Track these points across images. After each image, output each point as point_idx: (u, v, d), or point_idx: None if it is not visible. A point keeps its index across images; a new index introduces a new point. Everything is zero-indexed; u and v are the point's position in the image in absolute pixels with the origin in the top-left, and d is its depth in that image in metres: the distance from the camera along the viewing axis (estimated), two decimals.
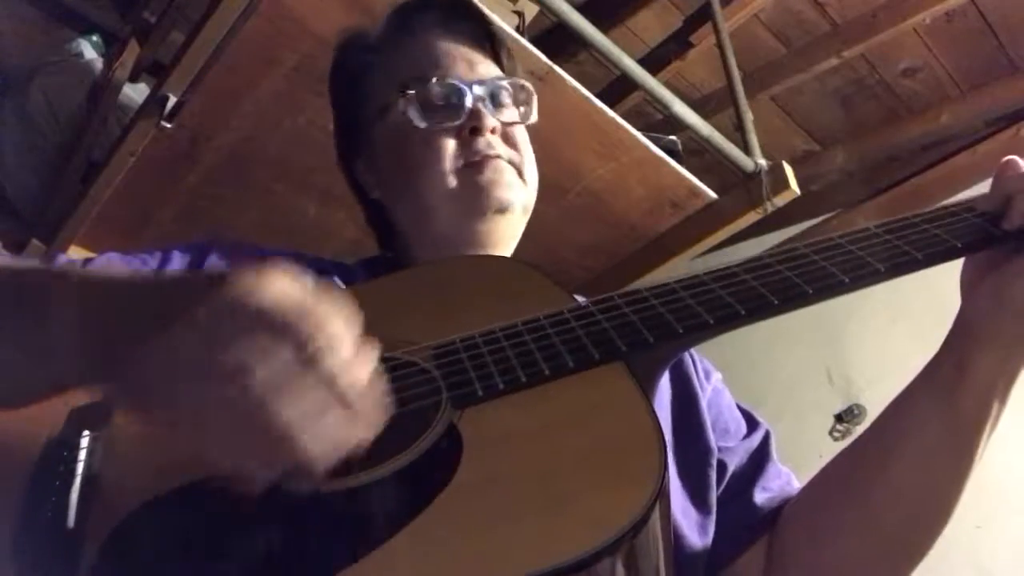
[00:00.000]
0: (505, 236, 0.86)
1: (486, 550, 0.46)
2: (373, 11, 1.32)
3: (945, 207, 0.67)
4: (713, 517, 0.77)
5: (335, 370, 0.44)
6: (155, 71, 1.87)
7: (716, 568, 0.77)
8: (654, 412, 0.53)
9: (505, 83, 0.89)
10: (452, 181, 0.84)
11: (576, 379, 0.56)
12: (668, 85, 1.80)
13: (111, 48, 1.98)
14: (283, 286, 0.44)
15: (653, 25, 2.36)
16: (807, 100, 2.45)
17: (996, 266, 0.65)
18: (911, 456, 0.69)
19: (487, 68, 0.90)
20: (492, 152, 0.85)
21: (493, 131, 0.86)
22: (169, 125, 1.39)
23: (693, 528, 0.75)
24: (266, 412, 0.42)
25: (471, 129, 0.84)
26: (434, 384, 0.57)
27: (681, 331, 0.59)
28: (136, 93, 1.83)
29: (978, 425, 0.67)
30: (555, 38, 2.09)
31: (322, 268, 0.83)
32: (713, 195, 1.73)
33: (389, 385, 0.49)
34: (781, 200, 1.67)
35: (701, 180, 1.72)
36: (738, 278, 0.63)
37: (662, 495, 0.47)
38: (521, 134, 0.90)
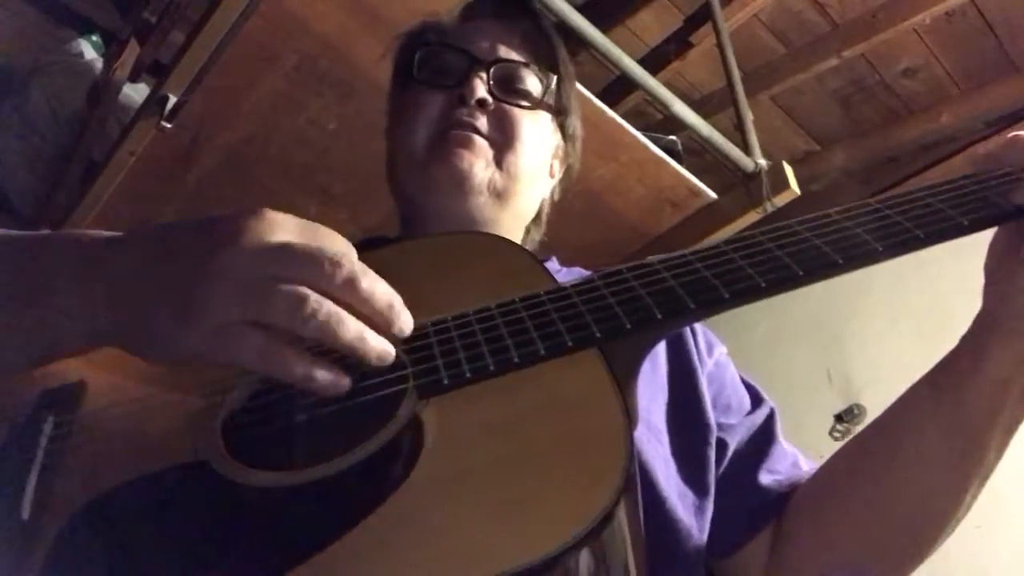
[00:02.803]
0: (471, 218, 0.84)
1: (436, 552, 0.43)
2: (373, 11, 1.33)
3: (952, 180, 0.60)
4: (711, 498, 0.74)
5: (355, 284, 0.49)
6: (155, 71, 1.87)
7: (717, 555, 0.74)
8: (625, 406, 0.50)
9: (521, 69, 0.88)
10: (421, 140, 0.84)
11: (548, 367, 0.53)
12: (668, 85, 1.80)
13: (111, 48, 1.98)
14: (284, 226, 0.49)
15: (653, 25, 2.36)
16: (807, 100, 2.45)
17: (1009, 248, 0.60)
18: (917, 450, 0.66)
19: (510, 54, 0.89)
20: (470, 123, 0.83)
21: (482, 104, 0.84)
22: (169, 125, 1.39)
23: (690, 510, 0.72)
24: (332, 327, 0.47)
25: (459, 97, 0.84)
26: (402, 370, 0.54)
27: (660, 316, 0.54)
28: (136, 93, 1.83)
29: (989, 421, 0.63)
30: None
31: None
32: (713, 195, 1.73)
33: (355, 373, 0.51)
34: (781, 200, 1.66)
35: (701, 180, 1.72)
36: (725, 256, 0.58)
37: (627, 492, 0.45)
38: (521, 123, 0.86)
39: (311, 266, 0.48)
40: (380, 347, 0.50)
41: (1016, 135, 0.61)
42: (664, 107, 1.64)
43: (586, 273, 0.89)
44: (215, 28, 1.28)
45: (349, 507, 0.46)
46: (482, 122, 0.84)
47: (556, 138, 0.94)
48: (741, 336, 2.29)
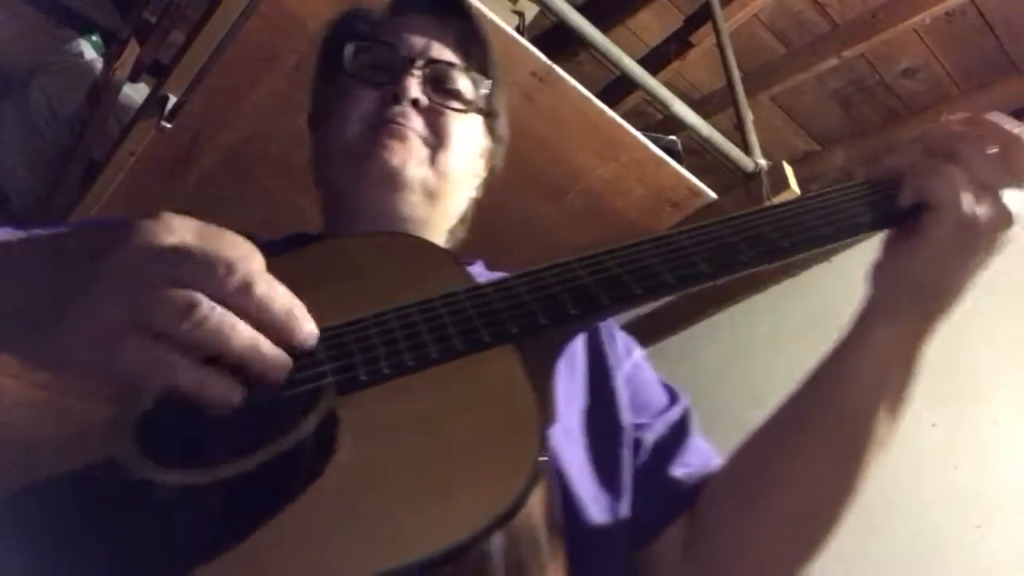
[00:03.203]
0: (402, 216, 0.83)
1: (355, 539, 0.44)
2: None
3: (851, 183, 0.67)
4: (625, 499, 0.76)
5: (250, 290, 0.46)
6: (155, 71, 1.87)
7: (636, 547, 0.76)
8: (539, 399, 0.51)
9: (454, 70, 0.88)
10: (353, 135, 0.84)
11: (465, 363, 0.54)
12: (668, 85, 1.80)
13: (111, 48, 1.98)
14: (181, 227, 0.47)
15: (653, 25, 2.36)
16: (807, 100, 2.45)
17: (895, 240, 0.66)
18: (817, 431, 0.70)
19: (443, 54, 0.89)
20: (403, 121, 0.83)
21: (415, 103, 0.84)
22: (169, 125, 1.40)
23: (603, 512, 0.74)
24: (223, 334, 0.45)
25: (392, 95, 0.84)
26: (319, 368, 0.53)
27: (575, 312, 0.56)
28: (136, 93, 1.84)
29: (875, 398, 0.68)
30: (555, 38, 2.09)
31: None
32: (713, 195, 1.73)
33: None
34: (781, 200, 1.67)
35: (701, 180, 1.72)
36: (638, 252, 0.60)
37: (540, 479, 0.46)
38: (454, 123, 0.87)
39: (204, 269, 0.45)
40: (274, 358, 0.48)
41: (889, 149, 0.67)
42: (664, 107, 1.64)
43: (504, 274, 0.90)
44: (215, 28, 1.28)
45: (265, 502, 0.46)
46: (416, 122, 0.84)
47: (486, 140, 0.94)
48: (741, 336, 2.29)
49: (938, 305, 0.66)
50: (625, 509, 0.76)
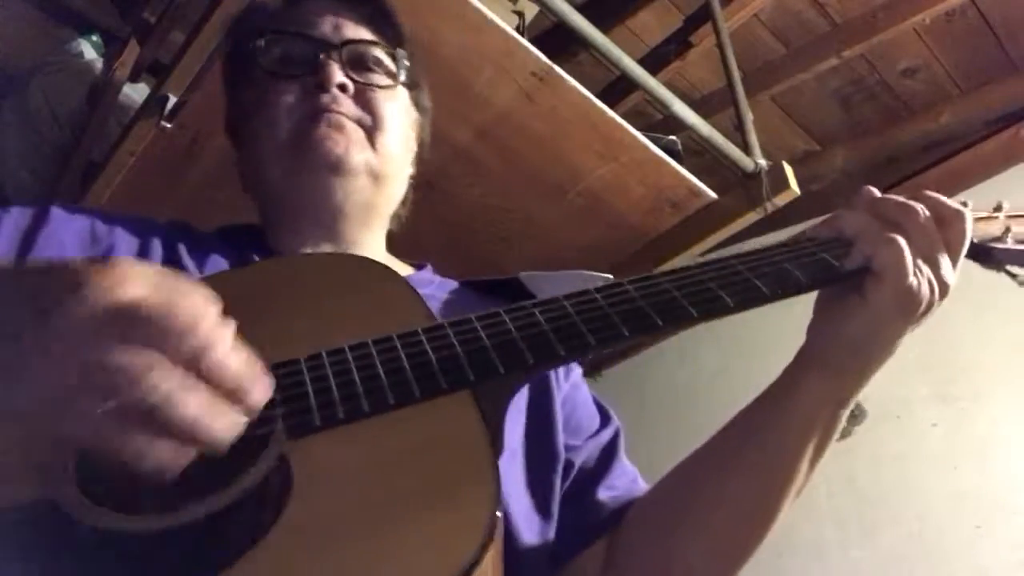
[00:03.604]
0: (349, 203, 0.82)
1: None
2: None
3: (798, 238, 0.70)
4: (554, 523, 0.77)
5: (205, 354, 0.43)
6: (155, 71, 1.87)
7: (556, 565, 0.77)
8: (493, 451, 0.51)
9: (372, 48, 0.87)
10: (284, 132, 0.82)
11: (421, 407, 0.53)
12: (668, 85, 1.80)
13: (111, 48, 1.98)
14: (136, 280, 0.44)
15: (653, 25, 2.36)
16: (807, 100, 2.45)
17: (834, 299, 0.69)
18: (746, 467, 0.73)
19: (357, 33, 0.87)
20: (335, 107, 0.81)
21: (343, 88, 0.82)
22: (169, 125, 1.40)
23: (534, 534, 0.75)
24: (162, 412, 0.42)
25: (317, 83, 0.82)
26: (271, 410, 0.50)
27: (532, 361, 0.57)
28: (136, 93, 1.83)
29: (801, 443, 0.71)
30: (555, 38, 2.08)
31: (171, 237, 0.80)
32: (713, 195, 1.73)
33: None
34: (781, 200, 1.67)
35: (701, 180, 1.72)
36: (593, 302, 0.61)
37: (493, 541, 0.46)
38: (384, 101, 0.85)
39: (158, 332, 0.43)
40: (222, 428, 0.44)
41: (839, 212, 0.70)
42: (664, 107, 1.64)
43: (455, 284, 0.89)
44: (215, 28, 1.28)
45: (211, 555, 0.44)
46: (347, 106, 0.82)
47: (413, 113, 0.93)
48: (741, 336, 2.29)
49: (869, 364, 0.70)
50: (552, 532, 0.77)
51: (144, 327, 0.43)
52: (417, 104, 0.94)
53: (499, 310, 0.61)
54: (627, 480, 0.84)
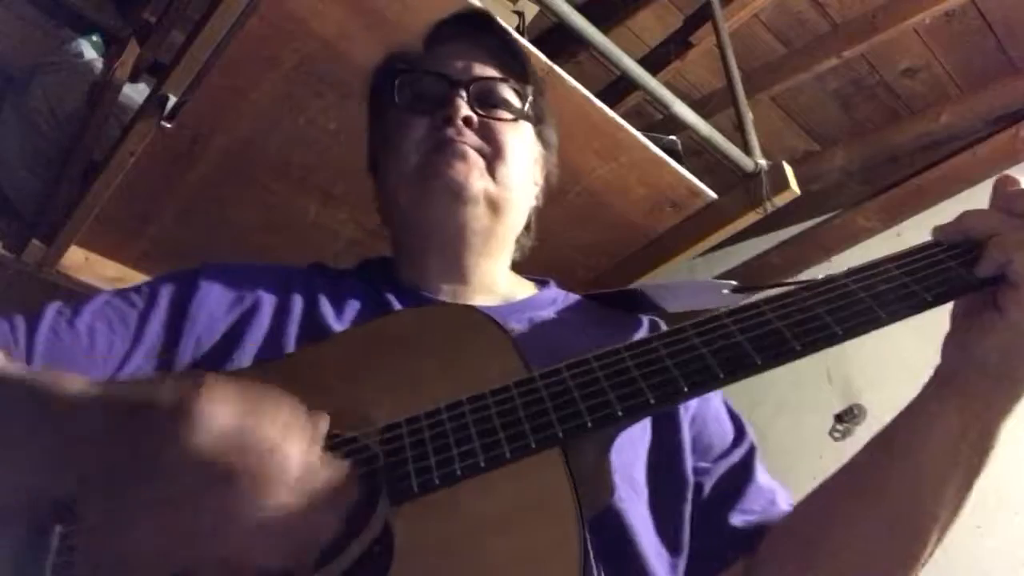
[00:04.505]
0: (468, 230, 0.86)
1: None
2: (373, 11, 1.33)
3: (920, 248, 0.62)
4: (684, 557, 0.75)
5: (291, 478, 0.49)
6: (155, 71, 1.87)
7: None
8: (582, 517, 0.51)
9: (498, 85, 0.91)
10: (413, 161, 0.86)
11: (512, 469, 0.54)
12: (668, 85, 1.80)
13: (111, 48, 1.98)
14: (219, 416, 0.48)
15: (653, 25, 2.36)
16: (807, 100, 2.45)
17: (970, 313, 0.62)
18: (889, 493, 0.68)
19: (485, 71, 0.92)
20: (459, 139, 0.85)
21: (467, 122, 0.86)
22: (169, 125, 1.39)
23: (665, 569, 0.73)
24: (253, 533, 0.47)
25: (445, 118, 0.86)
26: (376, 472, 0.55)
27: (621, 413, 0.55)
28: (136, 93, 1.83)
29: (940, 473, 0.65)
30: (555, 38, 2.09)
31: (311, 284, 0.84)
32: (713, 195, 1.73)
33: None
34: (781, 200, 1.67)
35: (701, 180, 1.72)
36: (687, 342, 0.58)
37: None
38: (507, 133, 0.89)
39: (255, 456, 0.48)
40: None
41: (967, 211, 0.62)
42: (664, 107, 1.64)
43: (578, 299, 0.91)
44: (215, 28, 1.28)
45: None
46: (471, 138, 0.86)
47: (537, 147, 0.97)
48: None
49: (1013, 390, 0.62)
50: (683, 565, 0.75)
51: (223, 464, 0.47)
52: (542, 139, 0.98)
53: (589, 357, 0.60)
54: (763, 502, 0.79)
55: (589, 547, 0.50)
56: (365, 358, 0.68)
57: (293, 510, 0.48)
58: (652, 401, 0.56)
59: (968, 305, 0.62)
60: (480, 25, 0.97)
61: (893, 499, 0.67)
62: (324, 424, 0.53)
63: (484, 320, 0.69)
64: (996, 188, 0.62)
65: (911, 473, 0.66)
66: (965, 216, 0.62)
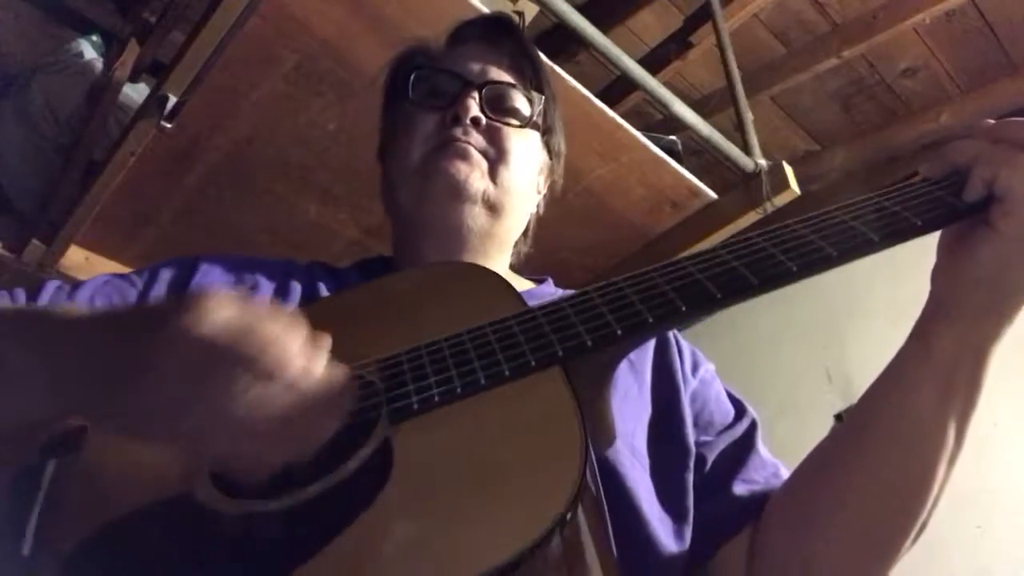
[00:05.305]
0: (466, 229, 0.86)
1: (410, 560, 0.47)
2: (374, 11, 1.33)
3: (904, 182, 0.62)
4: (690, 524, 0.76)
5: (290, 373, 0.49)
6: (155, 71, 1.87)
7: (696, 564, 0.76)
8: (583, 422, 0.52)
9: (510, 90, 0.92)
10: (417, 156, 0.88)
11: (514, 387, 0.56)
12: (668, 85, 1.80)
13: (111, 48, 1.98)
14: (221, 309, 0.49)
15: (653, 25, 2.36)
16: (807, 100, 2.45)
17: (959, 236, 0.62)
18: (884, 442, 0.67)
19: (500, 76, 0.93)
20: (464, 138, 0.87)
21: (476, 123, 0.88)
22: (169, 125, 1.39)
23: (669, 535, 0.74)
24: (252, 425, 0.48)
25: (453, 116, 0.87)
26: (377, 398, 0.56)
27: (620, 332, 0.57)
28: (136, 93, 1.83)
29: (942, 404, 0.65)
30: (555, 38, 2.09)
31: (311, 274, 0.86)
32: (713, 195, 1.74)
33: None
34: (781, 200, 1.67)
35: (701, 180, 1.72)
36: (682, 270, 0.60)
37: (583, 500, 0.48)
38: (512, 138, 0.90)
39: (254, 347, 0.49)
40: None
41: (951, 143, 0.63)
42: (664, 107, 1.64)
43: (574, 293, 0.91)
44: (215, 28, 1.28)
45: (325, 527, 0.49)
46: (476, 139, 0.87)
47: (543, 156, 0.98)
48: (741, 336, 2.29)
49: (1004, 305, 0.62)
50: (688, 533, 0.75)
51: (228, 350, 0.48)
52: (548, 147, 0.99)
53: (588, 289, 0.62)
54: (766, 473, 0.80)
55: (592, 452, 0.51)
56: (366, 308, 0.71)
57: (291, 402, 0.49)
58: (650, 320, 0.57)
59: (957, 231, 0.62)
60: (503, 30, 0.98)
61: (893, 440, 0.67)
62: (325, 340, 0.53)
63: (485, 272, 0.71)
64: (978, 125, 0.63)
65: (910, 407, 0.66)
66: (949, 147, 0.62)
